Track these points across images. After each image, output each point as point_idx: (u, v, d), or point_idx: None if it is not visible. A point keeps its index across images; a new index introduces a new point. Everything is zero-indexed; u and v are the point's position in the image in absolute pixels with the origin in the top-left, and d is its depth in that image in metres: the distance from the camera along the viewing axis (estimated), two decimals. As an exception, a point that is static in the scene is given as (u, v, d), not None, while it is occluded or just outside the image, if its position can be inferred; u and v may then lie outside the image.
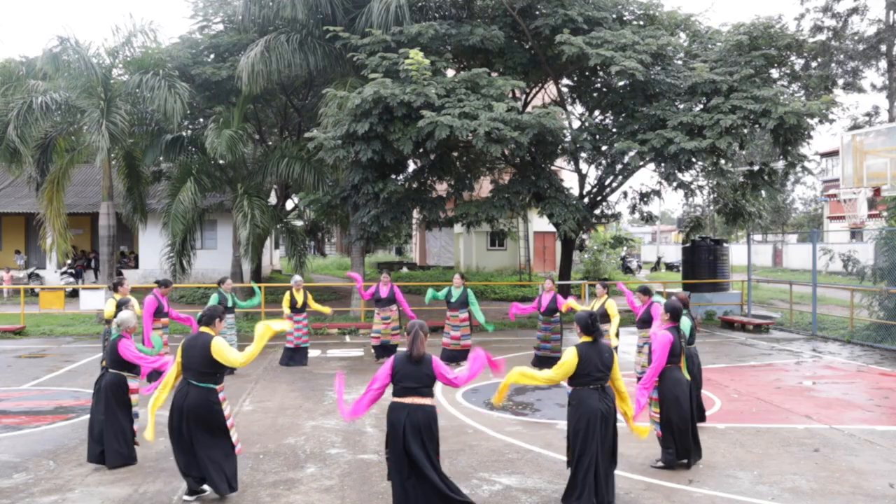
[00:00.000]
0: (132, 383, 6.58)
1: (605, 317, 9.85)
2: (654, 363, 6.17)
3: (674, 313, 6.45)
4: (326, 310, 12.18)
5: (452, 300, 11.62)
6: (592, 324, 5.39)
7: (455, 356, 11.59)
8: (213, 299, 10.71)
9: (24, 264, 25.35)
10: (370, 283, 12.15)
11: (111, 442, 6.39)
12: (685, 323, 7.55)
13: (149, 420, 5.69)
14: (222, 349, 5.49)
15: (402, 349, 5.43)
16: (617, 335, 9.25)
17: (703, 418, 7.68)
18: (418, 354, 5.01)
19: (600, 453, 5.26)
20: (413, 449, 4.89)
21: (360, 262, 18.57)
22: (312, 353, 12.43)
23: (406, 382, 4.99)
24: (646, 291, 9.15)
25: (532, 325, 17.01)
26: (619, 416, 5.59)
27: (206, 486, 5.72)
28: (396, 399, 5.02)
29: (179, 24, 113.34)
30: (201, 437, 5.54)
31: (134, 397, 6.61)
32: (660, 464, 6.44)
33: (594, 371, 5.29)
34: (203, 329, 5.72)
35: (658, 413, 6.44)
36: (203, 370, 5.55)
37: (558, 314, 10.98)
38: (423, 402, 4.99)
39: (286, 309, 11.71)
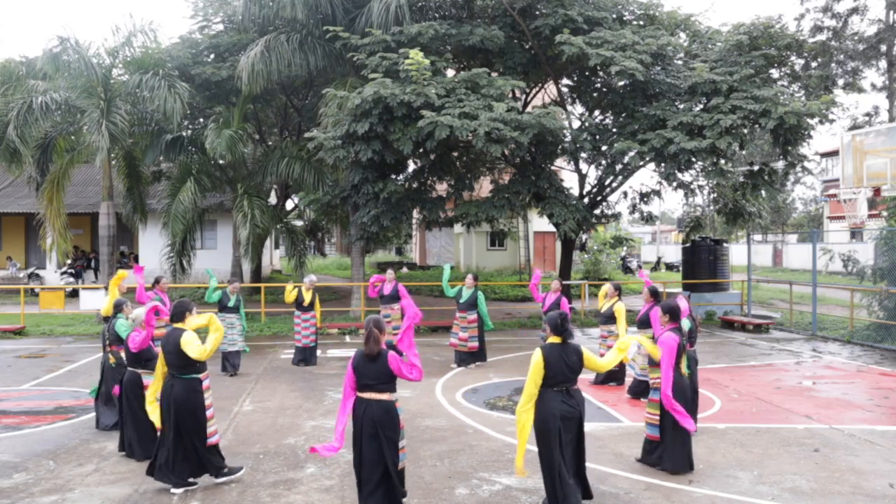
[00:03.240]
0: (147, 380, 6.73)
1: (611, 318, 9.82)
2: (665, 367, 6.08)
3: (672, 314, 6.41)
4: (318, 317, 12.18)
5: (462, 300, 11.62)
6: (562, 324, 5.25)
7: (464, 357, 11.66)
8: (215, 297, 11.02)
9: (17, 270, 25.02)
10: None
11: (136, 437, 6.73)
12: (685, 323, 7.52)
13: (151, 412, 6.10)
14: (188, 344, 5.76)
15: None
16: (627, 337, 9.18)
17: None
18: (371, 352, 5.06)
19: (563, 455, 5.16)
20: (367, 445, 5.02)
21: (360, 262, 18.56)
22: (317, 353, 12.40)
23: (364, 379, 5.08)
24: (654, 293, 9.07)
25: (532, 325, 17.06)
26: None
27: (193, 479, 5.98)
28: (358, 394, 5.13)
29: (179, 24, 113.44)
30: (188, 427, 5.81)
31: None
32: (662, 468, 6.36)
33: (559, 374, 5.17)
34: (175, 325, 5.98)
35: (656, 415, 6.40)
36: (181, 363, 5.83)
37: None
38: (381, 397, 5.06)
39: (288, 297, 11.76)
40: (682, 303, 7.10)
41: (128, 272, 9.00)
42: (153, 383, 6.14)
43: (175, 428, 5.80)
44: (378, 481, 5.05)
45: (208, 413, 5.98)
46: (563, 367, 5.18)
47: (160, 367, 6.04)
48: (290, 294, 11.77)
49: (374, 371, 5.05)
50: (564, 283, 18.41)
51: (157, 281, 10.50)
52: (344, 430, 5.17)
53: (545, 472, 5.24)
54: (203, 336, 5.92)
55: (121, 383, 6.90)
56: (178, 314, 6.00)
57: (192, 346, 5.74)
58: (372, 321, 5.14)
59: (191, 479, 5.92)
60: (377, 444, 5.03)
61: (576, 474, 5.32)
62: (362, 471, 5.10)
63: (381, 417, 5.02)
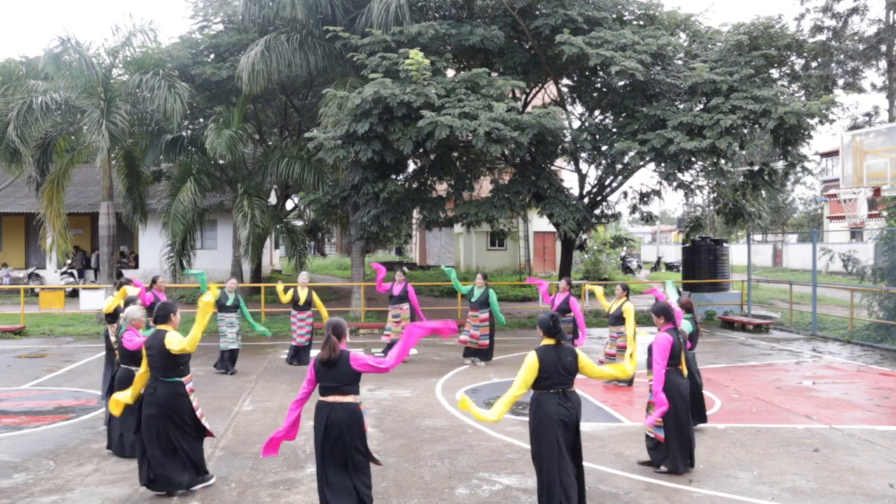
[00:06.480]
0: None
1: (620, 319, 9.80)
2: (657, 367, 6.09)
3: (666, 315, 6.40)
4: (324, 313, 12.19)
5: (473, 299, 11.78)
6: (554, 326, 5.19)
7: (475, 354, 11.84)
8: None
9: (9, 271, 24.71)
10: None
11: (127, 435, 6.62)
12: (686, 325, 7.52)
13: (114, 405, 5.92)
14: (173, 341, 5.67)
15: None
16: (634, 337, 9.17)
17: (703, 419, 7.65)
18: (326, 358, 4.96)
19: (561, 459, 5.12)
20: (328, 449, 4.94)
21: (360, 262, 18.56)
22: (313, 352, 12.44)
23: (326, 382, 5.01)
24: None
25: (532, 325, 17.06)
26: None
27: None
28: (320, 398, 5.06)
29: (179, 24, 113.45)
30: (174, 430, 5.72)
31: None
32: (664, 468, 6.35)
33: (554, 375, 5.11)
34: (159, 327, 5.87)
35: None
36: (165, 365, 5.73)
37: (570, 315, 10.73)
38: (344, 399, 4.99)
39: (283, 297, 11.79)
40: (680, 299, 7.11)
41: (130, 288, 9.00)
42: (134, 384, 5.91)
43: (163, 433, 5.67)
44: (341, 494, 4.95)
45: (198, 413, 5.86)
46: (558, 369, 5.13)
47: (143, 371, 5.86)
48: (282, 294, 11.81)
49: (335, 374, 4.98)
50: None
51: (154, 281, 10.45)
52: (295, 421, 5.14)
53: (541, 475, 5.19)
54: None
55: (112, 379, 6.81)
56: (162, 316, 5.88)
57: (175, 342, 5.62)
58: (331, 325, 5.04)
59: (187, 479, 5.83)
60: (342, 452, 4.93)
61: (576, 477, 5.30)
62: (324, 481, 4.97)
63: (346, 421, 4.92)
